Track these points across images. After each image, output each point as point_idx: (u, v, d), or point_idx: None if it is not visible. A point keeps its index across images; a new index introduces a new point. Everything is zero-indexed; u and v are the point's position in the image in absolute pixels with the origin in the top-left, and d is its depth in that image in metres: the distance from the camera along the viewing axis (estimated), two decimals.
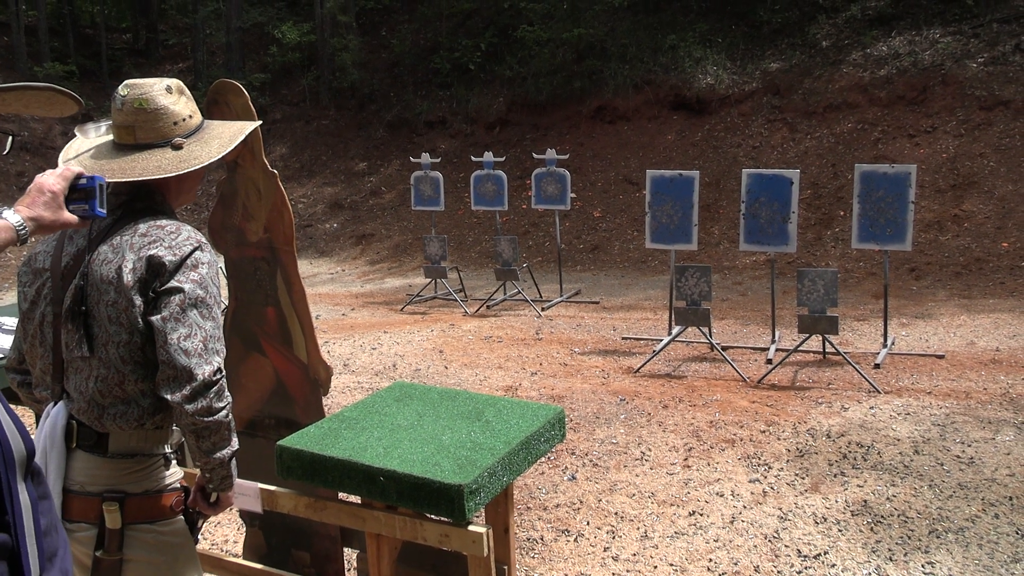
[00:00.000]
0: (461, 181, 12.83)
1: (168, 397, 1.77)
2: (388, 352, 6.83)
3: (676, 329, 6.51)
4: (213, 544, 3.73)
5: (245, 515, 3.10)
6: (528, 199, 10.93)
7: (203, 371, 1.79)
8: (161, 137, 1.94)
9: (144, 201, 1.94)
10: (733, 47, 13.52)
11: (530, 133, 14.12)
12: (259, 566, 2.76)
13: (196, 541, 2.05)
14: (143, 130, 1.93)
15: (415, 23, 17.58)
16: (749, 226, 6.29)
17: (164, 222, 1.90)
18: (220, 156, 1.96)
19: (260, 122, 2.35)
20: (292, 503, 2.37)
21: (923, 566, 3.31)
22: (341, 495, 2.50)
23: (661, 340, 6.62)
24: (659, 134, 13.06)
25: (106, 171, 1.88)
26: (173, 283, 1.81)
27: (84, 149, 1.99)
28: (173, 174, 1.90)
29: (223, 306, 1.89)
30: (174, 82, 1.99)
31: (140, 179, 1.89)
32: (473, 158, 9.76)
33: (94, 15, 19.61)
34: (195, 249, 1.87)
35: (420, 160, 9.57)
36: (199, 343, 1.80)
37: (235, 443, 1.92)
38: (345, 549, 3.00)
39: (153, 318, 1.80)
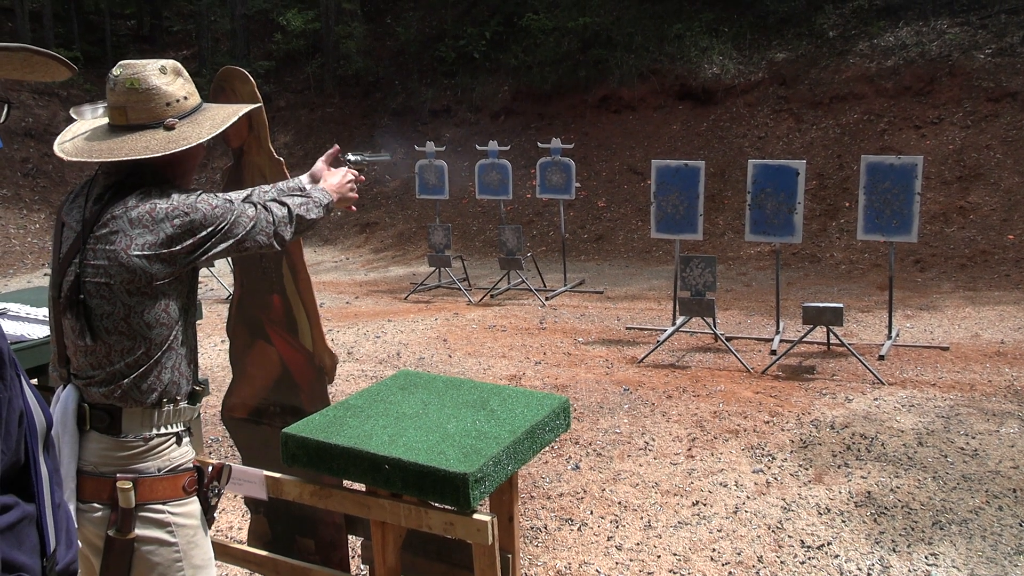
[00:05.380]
0: (465, 170, 12.80)
1: (287, 237, 2.05)
2: (392, 340, 6.84)
3: (680, 319, 6.51)
4: (218, 531, 3.74)
5: (250, 502, 3.11)
6: (533, 188, 10.90)
7: (285, 206, 2.06)
8: (153, 118, 1.91)
9: (135, 178, 1.92)
10: (739, 37, 13.45)
11: (535, 122, 14.07)
12: (264, 553, 2.76)
13: (212, 521, 2.06)
14: (135, 110, 1.91)
15: (420, 11, 17.51)
16: (755, 217, 6.27)
17: (157, 199, 1.89)
18: (210, 137, 1.93)
19: (259, 104, 2.33)
20: (297, 491, 2.38)
21: (927, 557, 3.32)
22: (346, 483, 2.51)
23: (665, 330, 6.61)
24: (664, 124, 13.01)
25: (95, 152, 1.88)
26: (209, 230, 1.90)
27: (80, 131, 1.97)
28: (160, 154, 1.87)
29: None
30: (169, 63, 1.97)
31: (127, 159, 1.86)
32: (478, 147, 9.73)
33: (98, 1, 19.55)
34: (198, 198, 1.91)
35: (425, 149, 9.55)
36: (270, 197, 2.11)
37: (322, 211, 2.17)
38: (350, 536, 3.01)
39: (225, 243, 1.94)
